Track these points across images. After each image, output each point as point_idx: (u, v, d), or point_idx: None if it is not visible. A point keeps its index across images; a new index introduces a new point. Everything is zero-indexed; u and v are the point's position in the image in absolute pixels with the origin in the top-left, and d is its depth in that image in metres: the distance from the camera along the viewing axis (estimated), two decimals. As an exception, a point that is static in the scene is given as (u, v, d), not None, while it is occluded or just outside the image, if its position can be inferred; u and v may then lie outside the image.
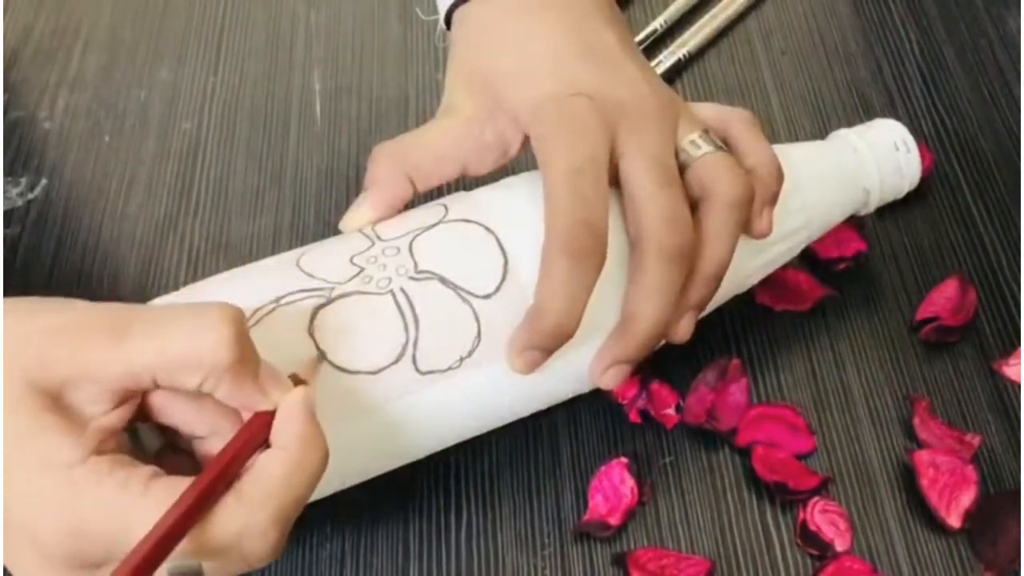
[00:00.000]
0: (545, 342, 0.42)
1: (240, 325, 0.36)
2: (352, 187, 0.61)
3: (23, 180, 0.62)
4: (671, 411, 0.50)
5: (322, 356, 0.41)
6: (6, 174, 0.62)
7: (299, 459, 0.37)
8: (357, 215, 0.47)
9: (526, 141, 0.47)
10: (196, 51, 0.68)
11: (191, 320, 0.36)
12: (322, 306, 0.42)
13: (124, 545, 0.34)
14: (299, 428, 0.37)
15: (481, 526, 0.49)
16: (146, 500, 0.34)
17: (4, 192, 0.61)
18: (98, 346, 0.35)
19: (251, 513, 0.35)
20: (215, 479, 0.35)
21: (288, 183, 0.61)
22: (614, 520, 0.48)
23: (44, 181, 0.62)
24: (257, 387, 0.37)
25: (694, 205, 0.45)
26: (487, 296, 0.43)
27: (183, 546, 0.34)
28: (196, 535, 0.34)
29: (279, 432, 0.37)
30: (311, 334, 0.41)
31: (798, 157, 0.50)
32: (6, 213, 0.60)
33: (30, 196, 0.61)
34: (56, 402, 0.35)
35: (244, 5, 0.71)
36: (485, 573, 0.47)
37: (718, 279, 0.45)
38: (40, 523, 0.34)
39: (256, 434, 0.37)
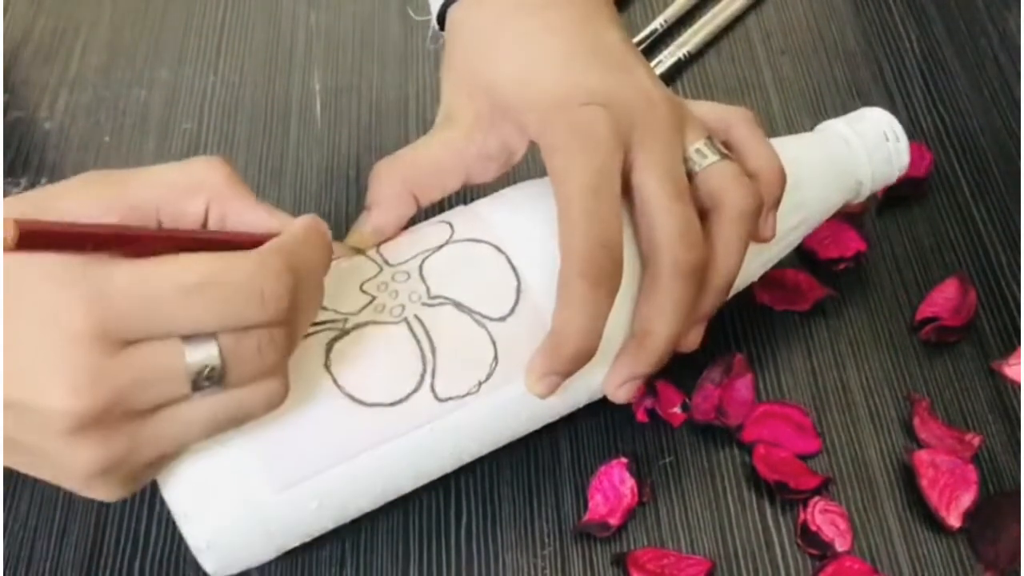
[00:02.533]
0: (566, 367, 0.42)
1: (229, 161, 0.39)
2: (352, 187, 0.61)
3: (23, 180, 0.62)
4: (677, 410, 0.50)
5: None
6: (6, 174, 0.62)
7: (305, 236, 0.38)
8: (361, 237, 0.46)
9: (530, 146, 0.46)
10: (196, 51, 0.68)
11: (181, 162, 0.39)
12: (337, 339, 0.41)
13: (147, 299, 0.33)
14: (306, 219, 0.39)
15: (481, 526, 0.49)
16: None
17: (4, 192, 0.61)
18: (98, 186, 0.37)
19: (265, 254, 0.36)
20: (220, 237, 0.37)
21: (288, 183, 0.61)
22: (614, 520, 0.48)
23: (44, 181, 0.62)
24: (265, 208, 0.39)
25: (702, 215, 0.44)
26: (502, 319, 0.43)
27: (205, 265, 0.34)
28: (219, 262, 0.34)
29: (291, 223, 0.39)
30: (328, 368, 0.41)
31: (794, 155, 0.49)
32: (6, 213, 0.60)
33: (30, 196, 0.61)
34: None
35: (244, 5, 0.71)
36: (485, 573, 0.47)
37: (728, 289, 0.45)
38: (60, 298, 0.33)
39: (261, 240, 0.38)
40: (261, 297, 0.35)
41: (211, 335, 0.34)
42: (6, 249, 0.29)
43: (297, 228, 0.38)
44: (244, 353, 0.35)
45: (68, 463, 0.35)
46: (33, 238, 0.30)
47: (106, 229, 0.34)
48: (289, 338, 0.37)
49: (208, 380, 0.35)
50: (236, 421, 0.37)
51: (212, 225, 0.39)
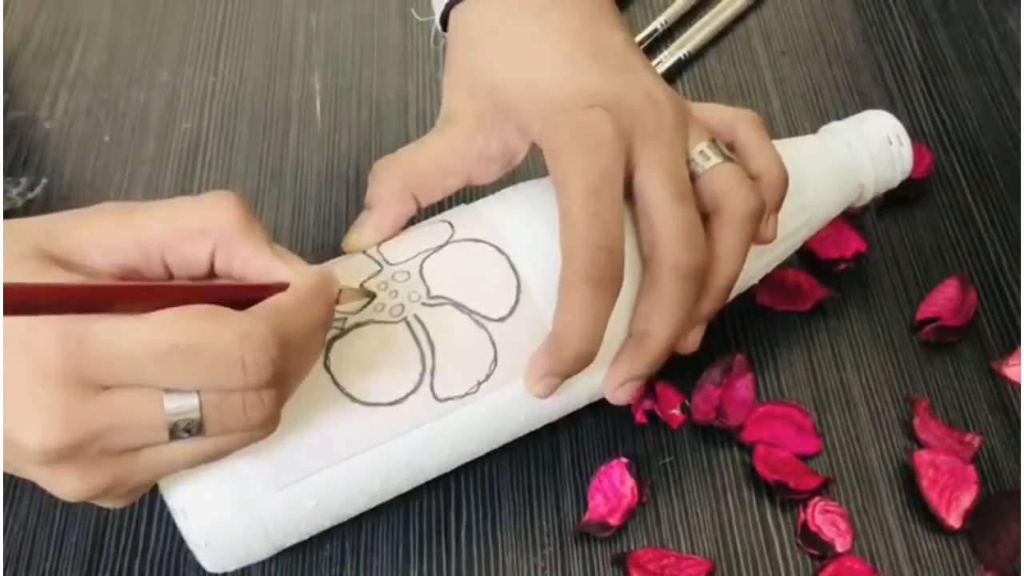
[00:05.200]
0: (566, 369, 0.42)
1: (243, 199, 0.37)
2: (352, 187, 0.61)
3: (23, 180, 0.62)
4: (676, 411, 0.50)
5: (371, 295, 0.42)
6: (6, 174, 0.62)
7: (305, 299, 0.36)
8: (360, 236, 0.46)
9: (532, 147, 0.46)
10: (196, 51, 0.68)
11: (194, 198, 0.37)
12: (336, 338, 0.41)
13: (122, 356, 0.32)
14: (313, 280, 0.37)
15: (481, 526, 0.49)
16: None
17: (4, 192, 0.61)
18: (106, 220, 0.36)
19: (254, 321, 0.34)
20: (213, 288, 0.35)
21: (288, 183, 0.61)
22: (614, 520, 0.48)
23: (44, 181, 0.62)
24: (275, 255, 0.37)
25: (704, 216, 0.44)
26: (502, 319, 0.43)
27: (185, 329, 0.32)
28: (200, 324, 0.33)
29: (293, 282, 0.36)
30: (327, 368, 0.41)
31: (797, 158, 0.49)
32: (6, 213, 0.60)
33: (30, 196, 0.61)
34: (65, 264, 0.35)
35: (244, 5, 0.71)
36: (485, 573, 0.47)
37: (728, 292, 0.45)
38: (37, 337, 0.32)
39: (269, 291, 0.36)
40: (242, 367, 0.33)
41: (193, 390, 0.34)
42: None
43: (297, 289, 0.36)
44: (227, 410, 0.34)
45: (54, 489, 0.35)
46: (18, 306, 0.30)
47: (86, 292, 0.33)
48: (277, 398, 0.35)
49: (187, 432, 0.34)
50: (218, 457, 0.37)
51: (218, 267, 0.37)
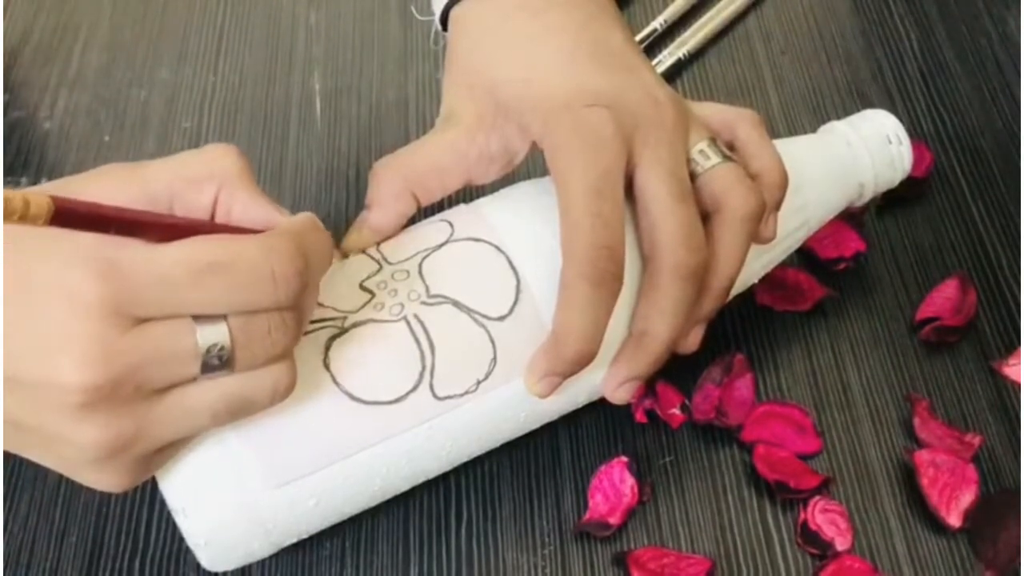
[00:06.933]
0: (567, 368, 0.42)
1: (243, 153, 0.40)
2: (352, 187, 0.61)
3: (23, 180, 0.62)
4: (676, 411, 0.50)
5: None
6: (6, 174, 0.62)
7: (312, 222, 0.39)
8: (360, 236, 0.46)
9: (532, 147, 0.46)
10: (196, 51, 0.68)
11: (197, 150, 0.39)
12: (336, 336, 0.41)
13: (160, 278, 0.34)
14: (308, 217, 0.39)
15: (481, 526, 0.49)
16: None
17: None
18: (116, 175, 0.38)
19: (276, 237, 0.36)
20: (227, 227, 0.38)
21: (288, 183, 0.61)
22: (614, 519, 0.48)
23: (44, 181, 0.62)
24: (275, 205, 0.39)
25: (704, 216, 0.44)
26: (501, 318, 0.43)
27: (218, 247, 0.35)
28: (228, 244, 0.35)
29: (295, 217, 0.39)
30: (327, 366, 0.41)
31: (796, 157, 0.50)
32: (6, 213, 0.60)
33: (30, 196, 0.61)
34: None
35: (244, 5, 0.71)
36: (485, 573, 0.47)
37: (728, 291, 0.45)
38: (74, 273, 0.33)
39: None
40: (272, 279, 0.35)
41: (222, 316, 0.35)
42: (40, 223, 0.30)
43: (304, 216, 0.39)
44: (254, 334, 0.35)
45: (75, 442, 0.35)
46: (65, 215, 0.31)
47: (130, 214, 0.35)
48: (297, 322, 0.37)
49: (218, 360, 0.35)
50: (243, 409, 0.37)
51: (219, 214, 0.39)
